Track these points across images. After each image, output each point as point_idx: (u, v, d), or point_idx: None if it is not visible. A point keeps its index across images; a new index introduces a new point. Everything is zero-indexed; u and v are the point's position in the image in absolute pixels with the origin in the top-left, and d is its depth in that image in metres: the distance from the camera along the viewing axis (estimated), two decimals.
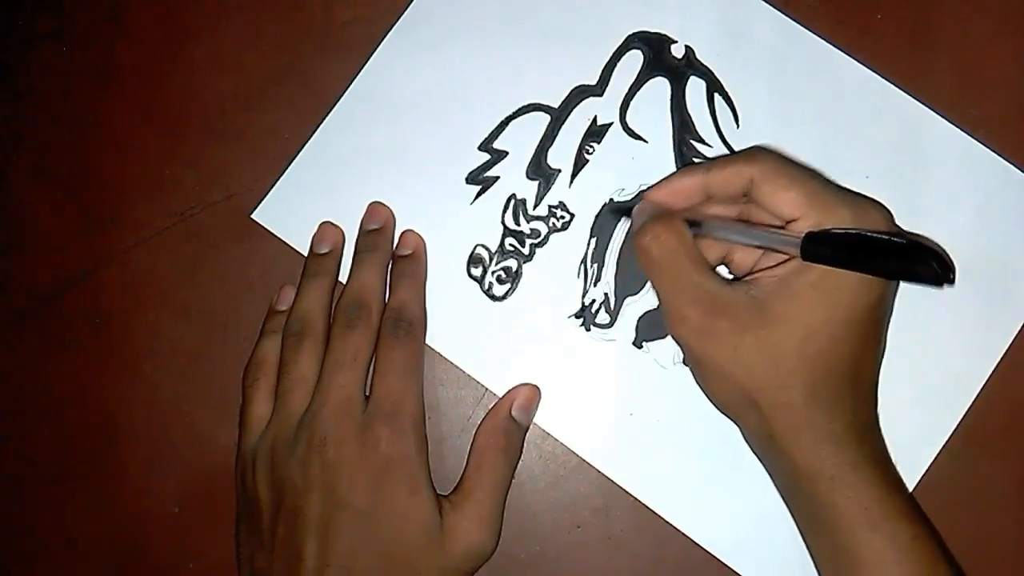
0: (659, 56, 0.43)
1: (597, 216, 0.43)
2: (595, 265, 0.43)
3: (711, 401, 0.38)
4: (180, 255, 0.44)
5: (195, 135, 0.44)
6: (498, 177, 0.43)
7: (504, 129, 0.44)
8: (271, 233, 0.43)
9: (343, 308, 0.41)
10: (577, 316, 0.43)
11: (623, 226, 0.43)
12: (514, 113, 0.44)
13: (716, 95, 0.43)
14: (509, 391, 0.42)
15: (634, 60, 0.44)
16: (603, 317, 0.43)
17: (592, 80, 0.44)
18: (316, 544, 0.37)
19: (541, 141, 0.43)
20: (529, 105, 0.44)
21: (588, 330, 0.43)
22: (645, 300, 0.43)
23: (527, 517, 0.42)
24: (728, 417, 0.38)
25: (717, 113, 0.43)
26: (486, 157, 0.43)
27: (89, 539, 0.43)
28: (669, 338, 0.42)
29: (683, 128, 0.43)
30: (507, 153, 0.43)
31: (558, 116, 0.43)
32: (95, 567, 0.43)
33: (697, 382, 0.39)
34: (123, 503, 0.43)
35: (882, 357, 0.38)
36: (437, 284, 0.43)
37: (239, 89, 0.44)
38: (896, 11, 0.43)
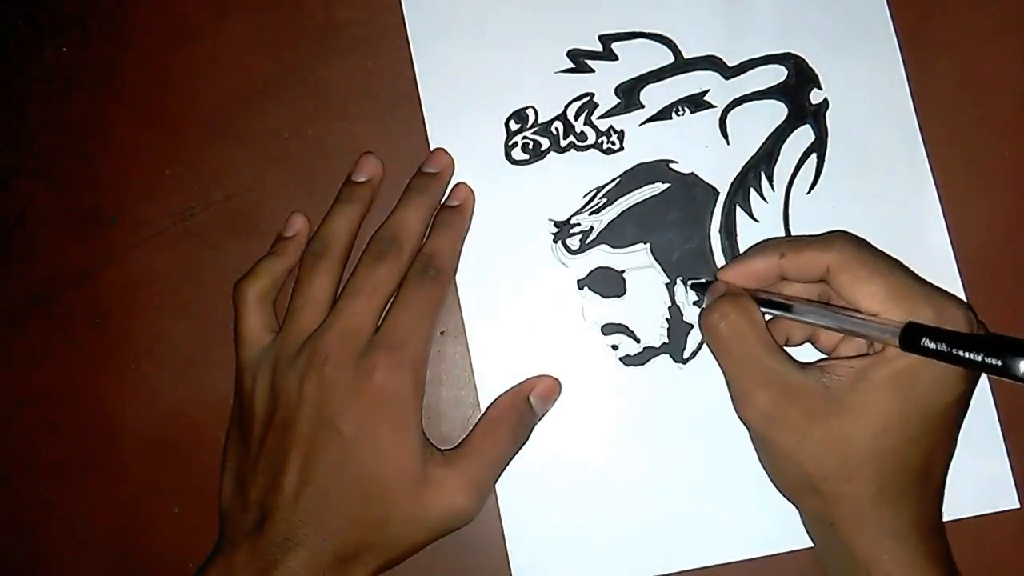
0: (802, 95, 0.43)
1: (635, 167, 0.43)
2: (604, 200, 0.43)
3: (771, 480, 0.38)
4: (180, 255, 0.44)
5: (195, 135, 0.44)
6: (593, 71, 0.43)
7: (631, 39, 0.43)
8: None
9: (377, 239, 0.41)
10: (556, 225, 0.43)
11: (647, 190, 0.43)
12: (649, 33, 0.43)
13: (814, 153, 0.43)
14: (532, 378, 0.42)
15: (777, 74, 0.43)
16: (574, 242, 0.43)
17: (732, 61, 0.43)
18: (300, 460, 0.37)
19: (649, 72, 0.43)
20: (662, 36, 0.43)
21: (555, 242, 0.43)
22: (610, 259, 0.42)
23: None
24: (787, 498, 0.38)
25: (801, 168, 0.43)
26: (599, 49, 0.43)
27: (89, 539, 0.43)
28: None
29: (762, 159, 0.43)
30: (617, 59, 0.43)
31: (679, 64, 0.43)
32: (95, 567, 0.43)
33: (759, 460, 0.38)
34: (123, 503, 0.43)
35: (952, 456, 0.36)
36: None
37: (239, 89, 0.44)
38: (896, 11, 0.43)
